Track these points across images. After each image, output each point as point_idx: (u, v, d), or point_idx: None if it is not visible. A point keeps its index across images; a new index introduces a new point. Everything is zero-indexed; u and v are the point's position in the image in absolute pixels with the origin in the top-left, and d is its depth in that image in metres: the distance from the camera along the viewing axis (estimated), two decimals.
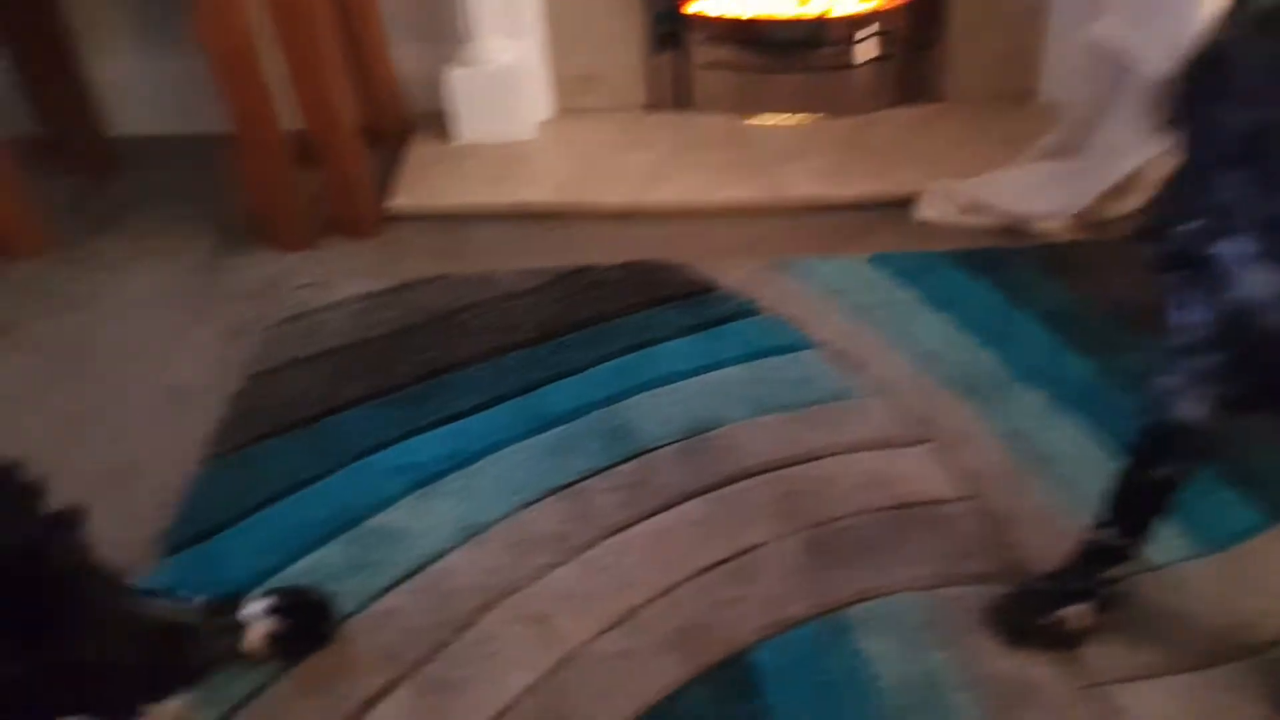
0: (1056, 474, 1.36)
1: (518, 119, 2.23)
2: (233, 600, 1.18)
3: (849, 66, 2.26)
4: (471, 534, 1.33)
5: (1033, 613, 1.15)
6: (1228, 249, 0.88)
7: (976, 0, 2.17)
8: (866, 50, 2.26)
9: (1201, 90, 0.90)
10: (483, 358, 1.65)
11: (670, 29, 2.27)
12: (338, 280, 1.87)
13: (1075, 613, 1.14)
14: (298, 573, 1.29)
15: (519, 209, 2.04)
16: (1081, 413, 1.45)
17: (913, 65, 2.28)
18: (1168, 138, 0.93)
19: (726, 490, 1.38)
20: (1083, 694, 1.10)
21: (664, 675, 1.15)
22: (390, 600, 1.26)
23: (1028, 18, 2.17)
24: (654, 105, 2.33)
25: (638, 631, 1.20)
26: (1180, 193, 0.94)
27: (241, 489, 1.42)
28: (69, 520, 0.80)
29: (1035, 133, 1.99)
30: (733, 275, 1.81)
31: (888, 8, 2.23)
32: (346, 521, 1.36)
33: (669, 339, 1.67)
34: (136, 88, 2.31)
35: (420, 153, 2.21)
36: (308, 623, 1.20)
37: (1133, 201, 1.82)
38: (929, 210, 1.94)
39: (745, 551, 1.29)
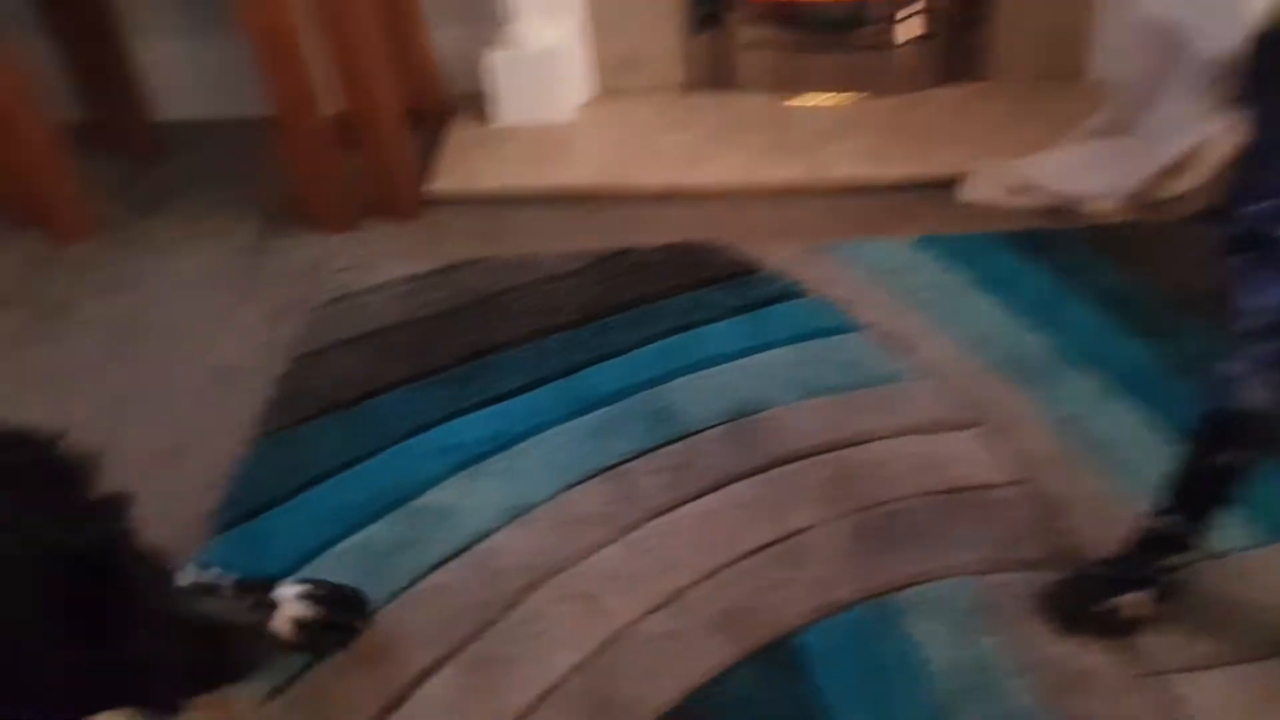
0: (1110, 460, 1.34)
1: (558, 101, 2.22)
2: (267, 582, 1.19)
3: (892, 45, 2.23)
4: (517, 514, 1.34)
5: (1087, 599, 1.14)
6: None
7: None
8: (910, 29, 2.22)
9: (1272, 68, 0.87)
10: (525, 340, 1.65)
11: (710, 9, 2.25)
12: (380, 262, 1.88)
13: (1131, 600, 1.12)
14: (344, 550, 1.31)
15: (560, 191, 2.03)
16: (1136, 397, 1.43)
17: (957, 44, 2.24)
18: (1232, 116, 0.90)
19: (773, 473, 1.37)
20: (1139, 682, 1.08)
21: (710, 657, 1.15)
22: (438, 577, 1.27)
23: None
24: (694, 86, 2.31)
25: (684, 613, 1.20)
26: (1249, 172, 0.91)
27: (288, 469, 1.43)
28: (116, 508, 0.80)
29: (1083, 113, 1.95)
30: (776, 257, 1.79)
31: None
32: (393, 501, 1.37)
33: (713, 321, 1.66)
34: (181, 72, 2.33)
35: (460, 135, 2.21)
36: (339, 615, 1.20)
37: (1188, 181, 1.78)
38: (975, 191, 1.91)
39: (792, 535, 1.28)
